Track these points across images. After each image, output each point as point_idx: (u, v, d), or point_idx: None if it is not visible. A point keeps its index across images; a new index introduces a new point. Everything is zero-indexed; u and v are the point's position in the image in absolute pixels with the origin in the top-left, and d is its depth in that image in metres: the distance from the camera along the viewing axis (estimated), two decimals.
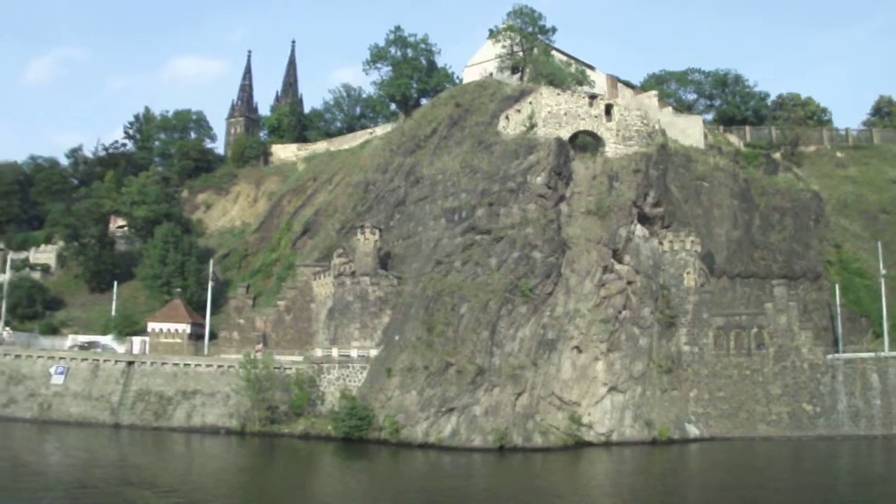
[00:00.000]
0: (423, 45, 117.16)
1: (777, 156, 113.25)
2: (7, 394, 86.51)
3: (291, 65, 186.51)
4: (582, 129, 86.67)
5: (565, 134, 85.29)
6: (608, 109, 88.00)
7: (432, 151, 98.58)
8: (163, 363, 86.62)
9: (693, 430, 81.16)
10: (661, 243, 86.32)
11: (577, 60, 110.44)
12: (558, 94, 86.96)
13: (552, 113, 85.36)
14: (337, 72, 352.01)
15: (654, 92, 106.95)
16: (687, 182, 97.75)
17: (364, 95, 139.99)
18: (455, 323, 76.41)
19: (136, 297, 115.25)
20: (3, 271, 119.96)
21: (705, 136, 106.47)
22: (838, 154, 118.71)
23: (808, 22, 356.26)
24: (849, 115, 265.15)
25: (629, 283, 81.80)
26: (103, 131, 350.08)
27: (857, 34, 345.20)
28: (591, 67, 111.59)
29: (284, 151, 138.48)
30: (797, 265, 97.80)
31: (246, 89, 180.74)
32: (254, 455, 72.69)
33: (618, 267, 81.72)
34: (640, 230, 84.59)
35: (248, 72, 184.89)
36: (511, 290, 76.44)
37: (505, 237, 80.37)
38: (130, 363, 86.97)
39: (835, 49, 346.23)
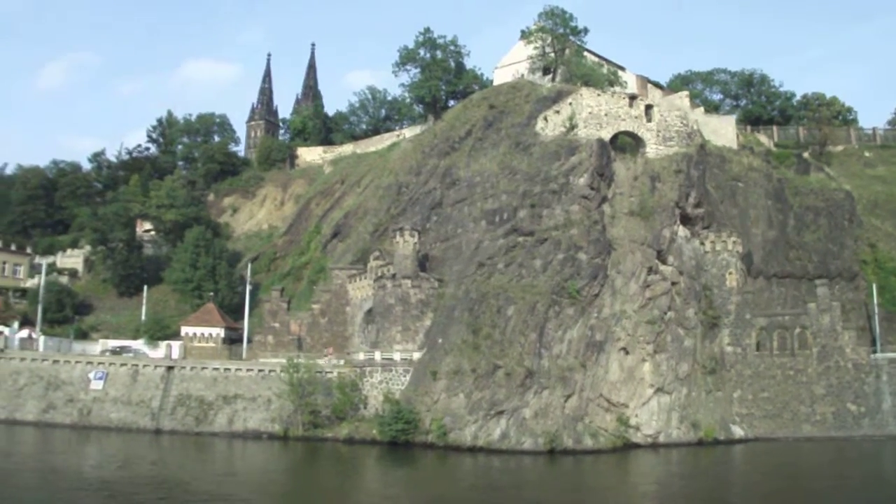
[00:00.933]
0: (452, 47, 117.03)
1: (806, 155, 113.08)
2: (46, 399, 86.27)
3: (311, 68, 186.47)
4: (622, 129, 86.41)
5: (606, 135, 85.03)
6: (648, 110, 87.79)
7: (468, 153, 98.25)
8: (203, 368, 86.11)
9: (738, 431, 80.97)
10: (702, 244, 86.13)
11: (608, 61, 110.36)
12: (598, 95, 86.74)
13: (593, 114, 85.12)
14: (349, 75, 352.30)
15: (685, 92, 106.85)
16: (722, 182, 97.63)
17: (389, 98, 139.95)
18: (502, 325, 75.98)
19: (165, 301, 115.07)
20: (31, 276, 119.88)
21: (737, 137, 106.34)
22: (866, 154, 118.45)
23: (822, 20, 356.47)
24: (872, 114, 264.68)
25: (673, 283, 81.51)
26: (116, 135, 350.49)
27: (871, 32, 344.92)
28: (622, 68, 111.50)
29: (310, 154, 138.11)
30: (832, 265, 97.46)
31: (266, 92, 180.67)
32: (300, 460, 72.34)
33: (662, 268, 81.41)
34: (681, 231, 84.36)
35: (267, 75, 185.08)
36: (558, 292, 76.01)
37: (549, 239, 79.98)
38: (170, 368, 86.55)
39: (852, 47, 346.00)
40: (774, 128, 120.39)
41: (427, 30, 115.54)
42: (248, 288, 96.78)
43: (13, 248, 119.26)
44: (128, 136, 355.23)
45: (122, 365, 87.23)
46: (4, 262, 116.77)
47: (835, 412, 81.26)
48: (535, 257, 79.71)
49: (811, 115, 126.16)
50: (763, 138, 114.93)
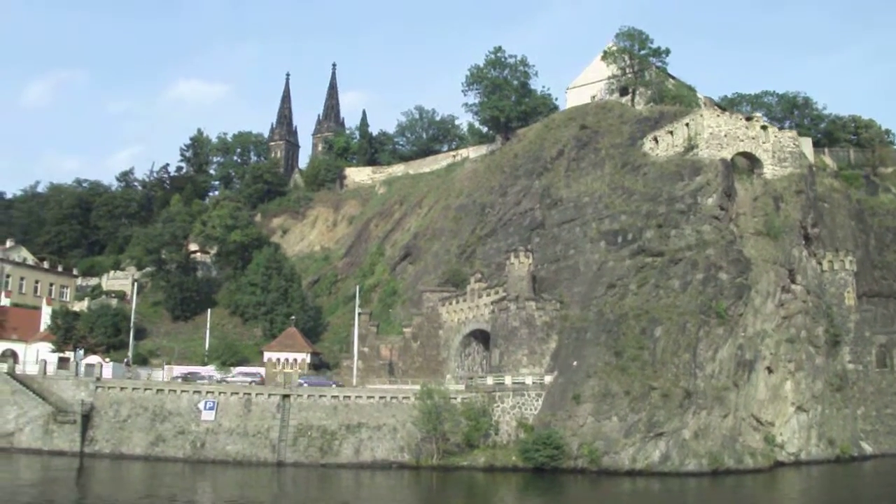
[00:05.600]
0: (521, 67, 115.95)
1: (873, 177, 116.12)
2: (154, 432, 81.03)
3: (333, 88, 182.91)
4: (741, 150, 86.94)
5: (727, 155, 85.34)
6: (763, 131, 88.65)
7: (563, 173, 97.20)
8: (321, 396, 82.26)
9: (867, 448, 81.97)
10: (819, 263, 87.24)
11: (682, 83, 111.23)
12: (718, 116, 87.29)
13: (714, 134, 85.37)
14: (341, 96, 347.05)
15: (757, 114, 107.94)
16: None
17: (437, 118, 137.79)
18: (650, 346, 75.09)
19: (221, 325, 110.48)
20: (78, 298, 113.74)
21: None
22: None
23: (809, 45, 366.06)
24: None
25: (803, 302, 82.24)
26: (104, 155, 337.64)
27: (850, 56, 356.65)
28: (693, 89, 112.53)
29: (359, 175, 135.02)
30: None
31: (285, 113, 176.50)
32: (458, 490, 68.98)
33: (793, 287, 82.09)
34: (804, 251, 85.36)
35: (286, 96, 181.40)
36: (705, 311, 75.75)
37: (683, 259, 79.60)
38: (286, 396, 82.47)
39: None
40: (826, 150, 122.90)
41: (498, 48, 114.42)
42: (356, 312, 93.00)
43: (60, 269, 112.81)
44: (116, 155, 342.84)
45: (232, 394, 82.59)
46: (52, 284, 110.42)
47: None
48: (671, 277, 79.18)
49: (848, 136, 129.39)
50: (828, 160, 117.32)
